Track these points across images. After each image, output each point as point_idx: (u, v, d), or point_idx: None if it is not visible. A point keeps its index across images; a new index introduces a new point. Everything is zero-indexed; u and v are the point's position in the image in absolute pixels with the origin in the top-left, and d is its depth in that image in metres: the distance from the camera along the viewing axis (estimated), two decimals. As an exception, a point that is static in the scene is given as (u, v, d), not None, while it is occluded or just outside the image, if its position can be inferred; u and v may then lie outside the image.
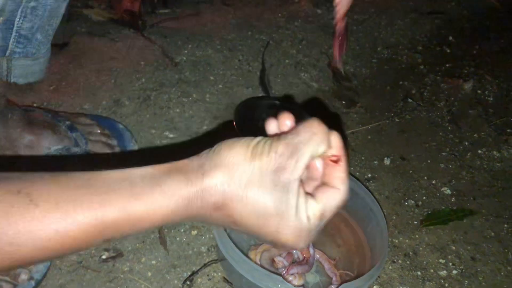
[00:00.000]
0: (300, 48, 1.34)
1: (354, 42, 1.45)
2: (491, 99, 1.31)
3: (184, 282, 0.75)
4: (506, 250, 0.90)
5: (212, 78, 1.17)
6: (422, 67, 1.41)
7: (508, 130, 1.19)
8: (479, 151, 1.11)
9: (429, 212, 0.94)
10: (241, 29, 1.36)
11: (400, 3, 1.75)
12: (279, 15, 1.46)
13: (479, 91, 1.33)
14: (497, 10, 1.89)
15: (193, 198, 0.42)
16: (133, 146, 0.92)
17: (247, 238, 0.83)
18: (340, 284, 0.70)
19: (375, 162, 1.05)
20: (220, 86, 1.15)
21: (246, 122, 1.01)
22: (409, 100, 1.24)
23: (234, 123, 0.99)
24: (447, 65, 1.43)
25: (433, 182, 1.02)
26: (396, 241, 0.89)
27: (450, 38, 1.59)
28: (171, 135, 1.00)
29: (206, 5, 1.43)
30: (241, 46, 1.29)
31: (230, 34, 1.33)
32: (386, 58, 1.43)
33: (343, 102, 1.20)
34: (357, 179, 0.86)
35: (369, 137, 1.12)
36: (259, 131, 0.89)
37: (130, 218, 0.40)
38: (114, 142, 0.90)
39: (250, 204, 0.42)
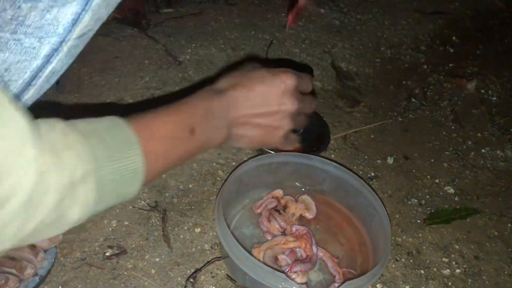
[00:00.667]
0: (303, 47, 1.35)
1: (357, 42, 1.45)
2: (495, 98, 1.30)
3: (188, 279, 0.75)
4: (510, 249, 0.89)
5: (215, 76, 1.17)
6: (425, 66, 1.41)
7: (511, 130, 1.18)
8: (483, 150, 1.11)
9: (432, 211, 0.94)
10: (244, 28, 1.36)
11: (403, 3, 1.75)
12: (283, 14, 1.46)
13: (482, 91, 1.33)
14: (501, 11, 1.89)
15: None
16: None
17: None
18: (343, 282, 0.71)
19: (378, 161, 1.05)
20: (224, 85, 1.15)
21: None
22: (413, 99, 1.24)
23: None
24: (451, 65, 1.43)
25: (436, 181, 1.02)
26: (399, 239, 0.89)
27: (454, 38, 1.59)
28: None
29: (209, 4, 1.44)
30: (244, 45, 1.29)
31: (233, 33, 1.33)
32: (389, 57, 1.43)
33: (346, 101, 1.20)
34: (361, 177, 0.86)
35: (372, 136, 1.12)
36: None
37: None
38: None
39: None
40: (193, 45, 1.25)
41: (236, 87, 0.64)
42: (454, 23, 1.69)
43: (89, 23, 0.51)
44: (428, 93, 1.28)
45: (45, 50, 0.50)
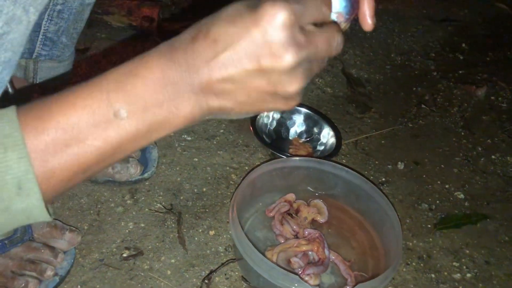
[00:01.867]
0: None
1: (367, 49, 1.47)
2: (505, 105, 1.31)
3: (203, 280, 0.77)
4: (520, 255, 0.90)
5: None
6: (435, 73, 1.42)
7: (523, 136, 1.19)
8: (493, 157, 1.12)
9: (443, 216, 0.95)
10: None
11: (413, 11, 1.77)
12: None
13: (492, 97, 1.34)
14: (510, 17, 1.90)
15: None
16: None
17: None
18: (355, 285, 0.72)
19: (389, 166, 1.06)
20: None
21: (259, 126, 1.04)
22: (423, 106, 1.26)
23: (251, 128, 1.02)
24: (460, 72, 1.44)
25: (447, 186, 1.03)
26: (410, 244, 0.90)
27: (463, 45, 1.60)
28: (189, 138, 1.02)
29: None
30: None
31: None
32: (399, 64, 1.44)
33: (357, 107, 1.22)
34: (372, 182, 0.87)
35: (382, 141, 1.13)
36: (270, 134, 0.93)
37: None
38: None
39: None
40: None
41: (197, 38, 0.40)
42: (463, 30, 1.70)
43: None
44: (438, 100, 1.29)
45: None
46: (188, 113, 0.41)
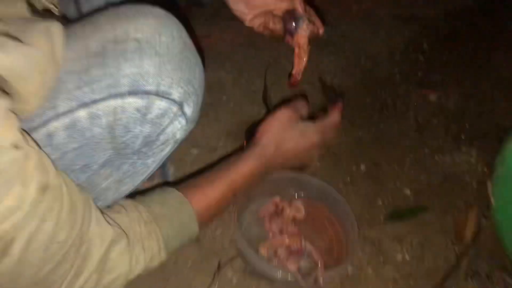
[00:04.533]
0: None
1: (341, 55, 1.72)
2: (452, 107, 1.59)
3: (217, 269, 1.06)
4: (448, 240, 1.21)
5: (224, 98, 1.45)
6: (398, 76, 1.68)
7: (462, 137, 1.48)
8: (436, 157, 1.41)
9: (392, 209, 1.25)
10: (247, 49, 1.62)
11: (382, 9, 2.00)
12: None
13: (442, 100, 1.61)
14: (471, 10, 2.12)
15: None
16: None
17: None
18: (324, 267, 1.03)
19: (354, 167, 1.35)
20: (231, 105, 1.43)
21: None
22: (384, 111, 1.53)
23: (244, 142, 1.28)
24: (419, 74, 1.70)
25: (398, 184, 1.32)
26: (366, 233, 1.20)
27: (425, 45, 1.85)
28: (196, 152, 1.29)
29: (215, 27, 1.68)
30: (247, 65, 1.56)
31: (238, 54, 1.59)
32: (368, 69, 1.70)
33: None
34: (337, 184, 1.16)
35: (350, 146, 1.41)
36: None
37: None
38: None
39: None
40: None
41: (275, 155, 0.87)
42: (426, 28, 1.94)
43: None
44: (398, 104, 1.56)
45: None
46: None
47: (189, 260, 1.08)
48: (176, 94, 0.70)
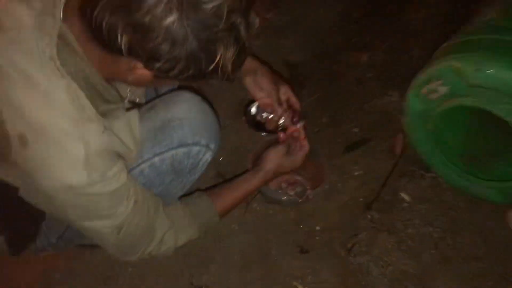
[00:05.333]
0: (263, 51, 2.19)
1: (298, 36, 2.30)
2: (380, 62, 2.21)
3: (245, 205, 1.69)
4: (386, 155, 1.86)
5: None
6: (339, 45, 2.28)
7: (388, 84, 2.11)
8: (372, 102, 2.03)
9: (347, 144, 1.90)
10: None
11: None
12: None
13: (372, 58, 2.22)
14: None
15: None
16: None
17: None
18: (311, 188, 1.68)
19: (318, 121, 1.97)
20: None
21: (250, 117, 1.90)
22: (332, 75, 2.14)
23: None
24: (353, 40, 2.31)
25: (348, 126, 1.95)
26: (333, 162, 1.84)
27: (355, 14, 2.44)
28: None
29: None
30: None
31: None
32: (315, 43, 2.28)
33: (297, 86, 2.09)
34: (310, 134, 1.79)
35: (313, 105, 2.02)
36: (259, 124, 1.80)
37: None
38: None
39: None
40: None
41: (272, 177, 1.46)
42: (356, 1, 2.53)
43: None
44: (340, 68, 2.18)
45: None
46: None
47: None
48: (203, 142, 1.21)
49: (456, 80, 1.41)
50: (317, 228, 1.65)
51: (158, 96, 1.32)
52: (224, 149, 1.85)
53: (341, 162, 1.84)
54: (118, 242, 1.12)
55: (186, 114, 1.19)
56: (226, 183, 1.45)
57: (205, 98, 1.29)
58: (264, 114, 1.65)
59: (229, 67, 0.85)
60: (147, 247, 1.20)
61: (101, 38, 0.81)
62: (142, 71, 0.87)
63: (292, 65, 2.17)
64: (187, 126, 1.18)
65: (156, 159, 1.18)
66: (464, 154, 1.67)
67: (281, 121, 1.57)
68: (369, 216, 1.66)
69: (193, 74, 0.85)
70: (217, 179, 1.77)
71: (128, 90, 1.13)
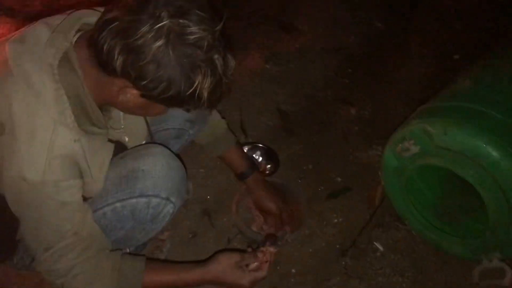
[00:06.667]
0: (256, 98, 2.33)
1: (291, 86, 2.45)
2: (367, 116, 2.34)
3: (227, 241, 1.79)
4: (364, 206, 1.96)
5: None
6: (330, 97, 2.42)
7: (373, 138, 2.23)
8: (356, 154, 2.16)
9: (329, 192, 2.00)
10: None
11: (312, 42, 2.72)
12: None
13: (360, 112, 2.36)
14: (382, 35, 2.88)
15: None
16: None
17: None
18: (290, 231, 1.77)
19: (304, 167, 2.08)
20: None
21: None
22: (321, 125, 2.27)
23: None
24: (344, 94, 2.45)
25: (332, 175, 2.07)
26: (313, 207, 1.93)
27: (349, 70, 2.60)
28: (203, 170, 2.01)
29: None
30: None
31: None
32: (308, 94, 2.43)
33: (285, 134, 2.21)
34: (296, 180, 1.90)
35: (300, 152, 2.14)
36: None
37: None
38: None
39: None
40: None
41: (212, 281, 1.30)
42: (349, 56, 2.69)
43: None
44: (330, 119, 2.31)
45: None
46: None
47: (209, 238, 1.81)
48: (163, 195, 1.25)
49: (426, 141, 1.53)
50: (293, 270, 1.73)
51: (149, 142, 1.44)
52: (211, 187, 1.96)
53: (322, 209, 1.94)
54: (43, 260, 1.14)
55: (151, 166, 1.25)
56: (169, 264, 1.52)
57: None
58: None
59: (205, 95, 0.97)
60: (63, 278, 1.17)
61: (101, 59, 0.96)
62: (131, 91, 1.00)
63: (284, 113, 2.30)
64: (150, 178, 1.24)
65: (118, 204, 1.25)
66: (437, 209, 1.77)
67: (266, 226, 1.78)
68: (343, 263, 1.75)
69: (172, 95, 0.96)
70: (203, 217, 1.87)
71: (122, 120, 1.26)
